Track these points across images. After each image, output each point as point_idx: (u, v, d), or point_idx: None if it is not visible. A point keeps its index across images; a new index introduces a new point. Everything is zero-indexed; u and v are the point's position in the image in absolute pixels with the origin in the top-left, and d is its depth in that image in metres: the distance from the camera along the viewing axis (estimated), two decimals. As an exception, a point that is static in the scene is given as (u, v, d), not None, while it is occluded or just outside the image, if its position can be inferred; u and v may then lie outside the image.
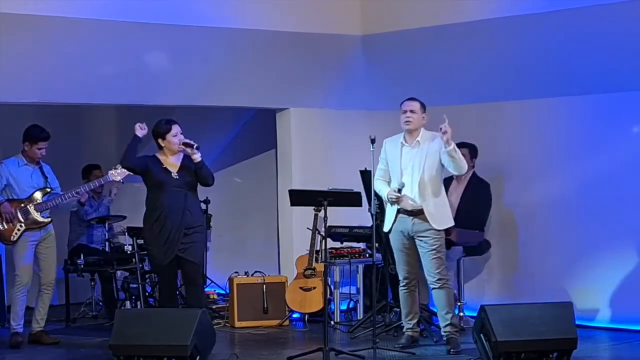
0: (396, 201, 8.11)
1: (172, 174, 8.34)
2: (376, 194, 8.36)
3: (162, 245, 8.28)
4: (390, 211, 8.23)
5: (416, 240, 8.17)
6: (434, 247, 8.12)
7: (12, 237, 8.73)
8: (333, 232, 9.73)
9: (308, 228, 9.69)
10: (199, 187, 8.52)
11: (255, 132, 11.75)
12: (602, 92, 9.18)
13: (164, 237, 8.27)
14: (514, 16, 9.10)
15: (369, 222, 9.02)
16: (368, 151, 8.23)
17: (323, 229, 8.96)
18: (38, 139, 8.83)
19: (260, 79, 9.99)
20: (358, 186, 9.23)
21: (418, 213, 8.12)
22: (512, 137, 9.82)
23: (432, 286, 8.20)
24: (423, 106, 8.24)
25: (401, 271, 8.32)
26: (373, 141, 8.18)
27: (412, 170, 8.14)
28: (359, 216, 9.53)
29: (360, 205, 8.77)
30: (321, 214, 8.83)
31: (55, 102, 9.57)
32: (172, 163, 8.39)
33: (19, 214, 8.70)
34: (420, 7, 9.64)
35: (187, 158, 8.41)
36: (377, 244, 8.50)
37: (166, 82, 9.64)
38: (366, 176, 9.07)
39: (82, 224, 10.34)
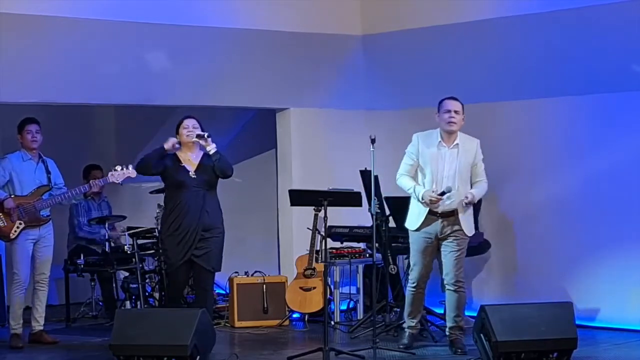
0: (435, 202, 7.94)
1: (190, 173, 8.30)
2: (377, 193, 8.33)
3: (177, 246, 8.24)
4: (419, 209, 8.05)
5: (443, 241, 8.06)
6: (460, 247, 8.03)
7: (11, 234, 8.71)
8: (333, 232, 9.73)
9: (308, 228, 9.69)
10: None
11: (255, 132, 11.75)
12: (602, 92, 9.18)
13: (179, 238, 8.23)
14: (514, 16, 9.10)
15: (369, 222, 9.02)
16: (368, 151, 8.22)
17: (323, 229, 8.97)
18: (24, 124, 8.84)
19: (260, 79, 9.99)
20: (358, 186, 9.23)
21: (449, 215, 8.01)
22: (512, 137, 9.82)
23: (448, 287, 8.08)
24: (463, 108, 8.09)
25: (416, 272, 8.17)
26: (373, 141, 8.15)
27: (450, 172, 7.99)
28: (359, 216, 9.53)
29: (360, 205, 8.76)
30: (321, 214, 8.84)
31: (55, 102, 9.57)
32: (190, 161, 8.34)
33: (19, 211, 8.69)
34: (420, 7, 9.64)
35: (205, 156, 8.35)
36: (377, 244, 8.49)
37: (166, 82, 9.64)
38: (366, 176, 9.06)
39: (82, 222, 10.36)
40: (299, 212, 10.04)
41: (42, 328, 8.95)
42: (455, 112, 7.99)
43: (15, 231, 8.71)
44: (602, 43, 8.84)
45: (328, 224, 8.90)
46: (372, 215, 8.44)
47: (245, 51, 9.70)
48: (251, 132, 11.83)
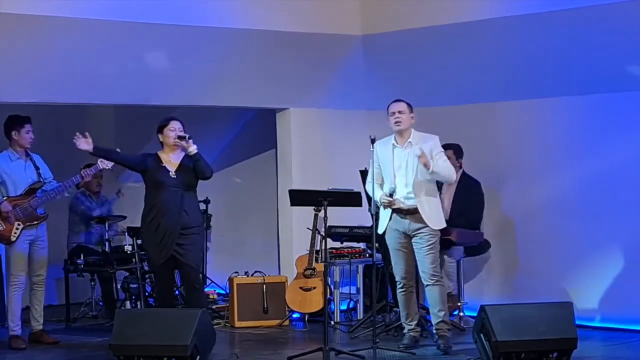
0: (389, 205, 8.14)
1: (170, 173, 8.35)
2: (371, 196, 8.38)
3: (158, 244, 8.29)
4: (385, 213, 8.25)
5: (412, 238, 8.19)
6: (430, 243, 8.14)
7: (12, 236, 8.68)
8: (333, 232, 9.73)
9: (308, 228, 9.69)
10: (200, 186, 8.53)
11: (255, 132, 11.75)
12: (602, 92, 9.18)
13: (160, 236, 8.28)
14: (513, 16, 9.10)
15: (369, 222, 9.02)
16: (368, 151, 8.24)
17: (323, 229, 8.97)
18: (24, 122, 8.80)
19: (260, 79, 9.99)
20: (358, 186, 9.23)
21: (413, 212, 8.14)
22: (512, 137, 9.82)
23: (425, 283, 8.21)
24: (410, 106, 8.25)
25: (398, 271, 8.31)
26: (373, 141, 8.18)
27: (406, 171, 8.15)
28: (359, 216, 9.53)
29: (360, 205, 8.77)
30: (321, 214, 8.84)
31: (55, 102, 9.56)
32: (171, 162, 8.41)
33: (16, 212, 8.65)
34: (420, 7, 9.64)
35: (186, 158, 8.41)
36: (377, 244, 8.49)
37: (166, 82, 9.64)
38: (366, 176, 9.06)
39: (82, 222, 10.34)
40: (299, 212, 10.04)
41: (41, 328, 8.94)
42: (400, 112, 8.19)
43: (15, 233, 8.66)
44: (602, 43, 8.84)
45: (328, 224, 8.90)
46: (372, 215, 8.45)
47: (245, 51, 9.70)
48: (251, 132, 11.84)
